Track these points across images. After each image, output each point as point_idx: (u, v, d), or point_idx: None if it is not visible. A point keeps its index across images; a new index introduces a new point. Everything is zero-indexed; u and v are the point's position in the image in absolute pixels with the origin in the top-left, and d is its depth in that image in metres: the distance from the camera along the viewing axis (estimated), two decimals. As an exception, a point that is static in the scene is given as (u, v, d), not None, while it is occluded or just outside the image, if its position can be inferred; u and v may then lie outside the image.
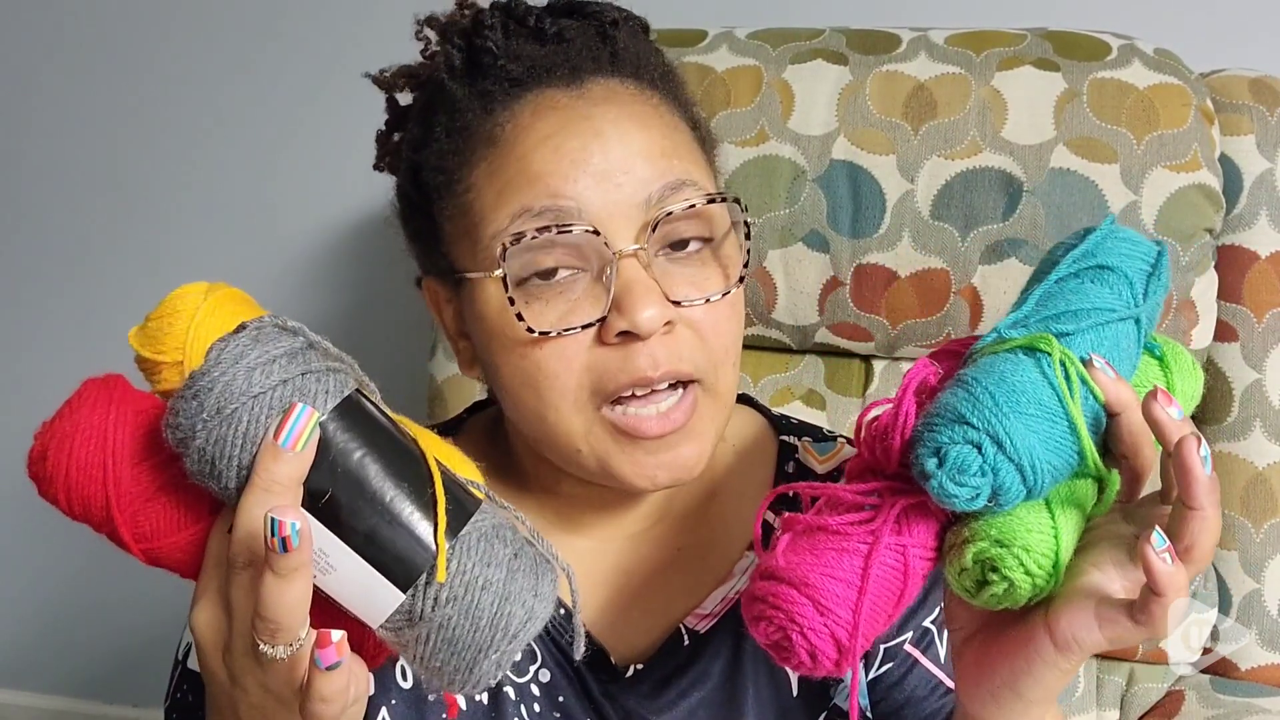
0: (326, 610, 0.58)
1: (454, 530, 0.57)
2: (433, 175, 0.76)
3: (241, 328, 0.58)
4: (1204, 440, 0.56)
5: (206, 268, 1.76)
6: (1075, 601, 0.58)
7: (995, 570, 0.57)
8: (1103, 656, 1.17)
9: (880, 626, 0.59)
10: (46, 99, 1.75)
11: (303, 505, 0.55)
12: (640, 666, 0.79)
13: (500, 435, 0.84)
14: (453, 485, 0.59)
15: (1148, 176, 1.09)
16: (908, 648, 0.82)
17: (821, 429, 0.88)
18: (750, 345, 1.23)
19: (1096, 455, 0.58)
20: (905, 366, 1.21)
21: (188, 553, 0.62)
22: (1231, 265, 1.16)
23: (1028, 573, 0.57)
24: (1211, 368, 1.17)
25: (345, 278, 1.69)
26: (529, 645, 0.78)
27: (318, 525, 0.56)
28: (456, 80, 0.76)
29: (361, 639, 0.59)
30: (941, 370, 0.62)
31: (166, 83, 1.70)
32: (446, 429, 0.87)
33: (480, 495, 0.60)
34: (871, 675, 0.83)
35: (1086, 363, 0.58)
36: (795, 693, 0.81)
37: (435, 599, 0.56)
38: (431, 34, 0.81)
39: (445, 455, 0.62)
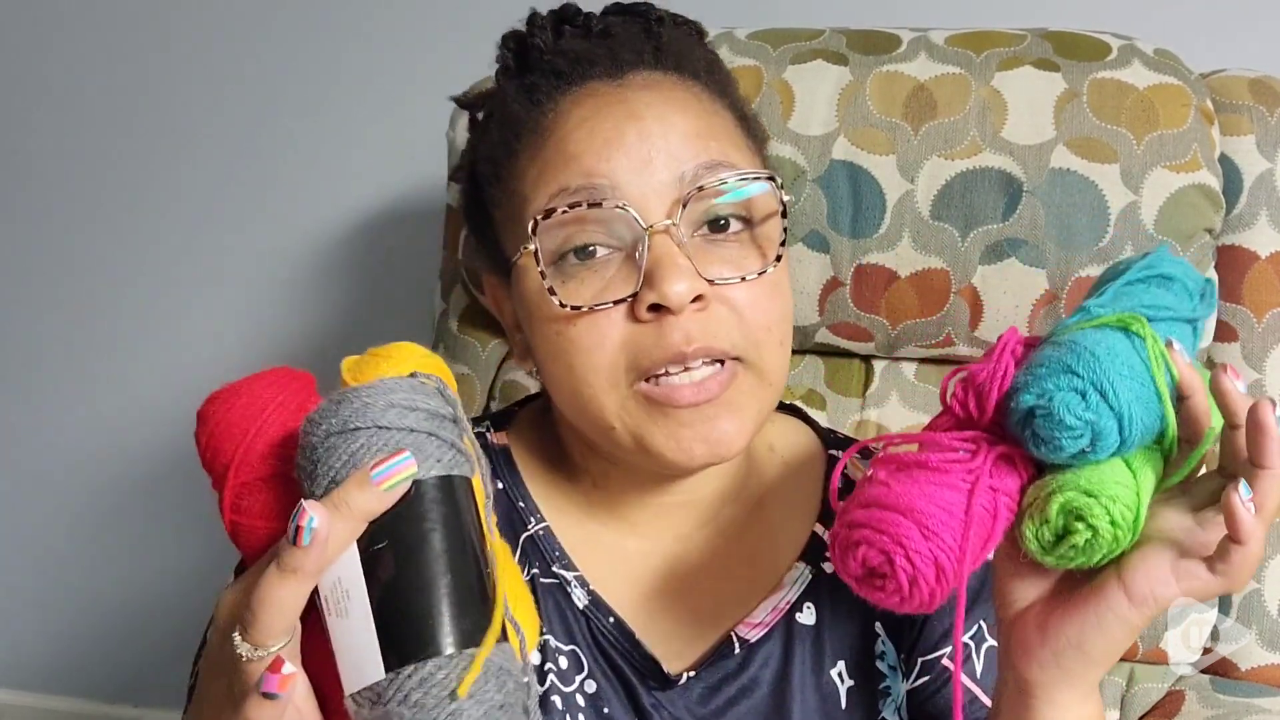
0: (325, 663, 0.58)
1: (463, 645, 0.56)
2: (485, 167, 0.79)
3: (412, 375, 0.61)
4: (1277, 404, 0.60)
5: (207, 271, 1.76)
6: (1152, 557, 0.61)
7: (1081, 519, 0.60)
8: (1103, 656, 1.17)
9: (972, 566, 0.61)
10: (47, 100, 1.75)
11: (360, 545, 0.56)
12: (693, 674, 0.79)
13: (549, 427, 0.84)
14: (491, 590, 0.58)
15: (1148, 176, 1.09)
16: (945, 662, 0.82)
17: (867, 445, 0.89)
18: (750, 345, 1.23)
19: (1175, 422, 0.62)
20: (905, 366, 1.21)
21: (264, 544, 0.63)
22: (1231, 265, 1.16)
23: (1113, 522, 0.60)
24: (1212, 368, 1.17)
25: (347, 280, 1.69)
26: (576, 654, 0.78)
27: (357, 570, 0.56)
28: (508, 79, 0.80)
29: (338, 707, 0.59)
30: (1027, 342, 0.66)
31: (168, 84, 1.70)
32: (499, 420, 0.87)
33: (514, 640, 0.59)
34: (908, 687, 0.83)
35: (1167, 344, 0.63)
36: (844, 705, 0.80)
37: (406, 695, 0.55)
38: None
39: (517, 598, 0.62)
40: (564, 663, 0.78)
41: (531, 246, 0.72)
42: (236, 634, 0.56)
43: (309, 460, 0.58)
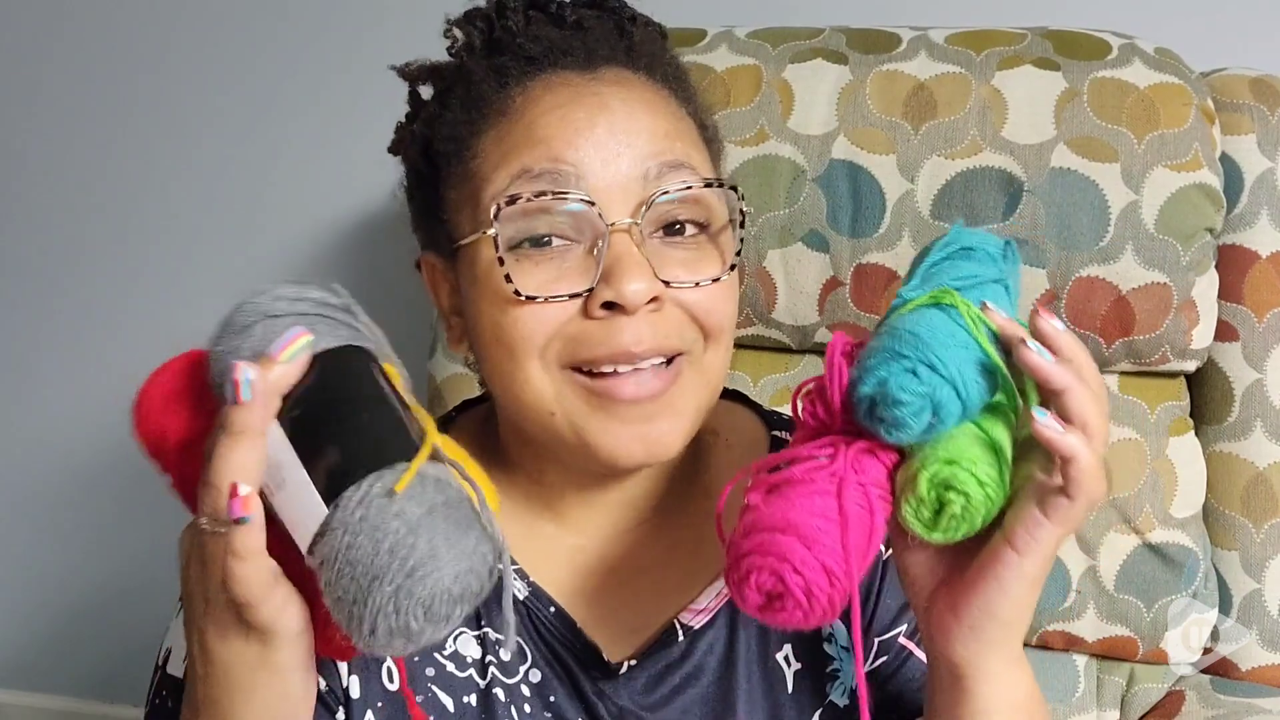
0: (289, 550, 0.59)
1: (394, 461, 0.58)
2: (443, 144, 0.78)
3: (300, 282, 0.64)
4: (1045, 328, 0.63)
5: (205, 269, 1.76)
6: (1022, 505, 0.63)
7: (950, 488, 0.62)
8: (1103, 657, 1.17)
9: (863, 565, 0.63)
10: (47, 100, 1.75)
11: (282, 423, 0.59)
12: (634, 662, 0.79)
13: (490, 428, 0.84)
14: (417, 431, 0.60)
15: (1148, 176, 1.09)
16: (902, 640, 0.82)
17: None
18: (750, 345, 1.23)
19: (1006, 370, 0.64)
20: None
21: None
22: (1232, 265, 1.16)
23: (980, 482, 0.62)
24: (1212, 367, 1.17)
25: (344, 278, 1.68)
26: (519, 645, 0.78)
27: (283, 441, 0.59)
28: (474, 58, 0.78)
29: (313, 597, 0.60)
30: (856, 342, 0.68)
31: (167, 83, 1.70)
32: (437, 424, 0.87)
33: (454, 472, 0.61)
34: (866, 668, 0.83)
35: (982, 306, 0.65)
36: (790, 688, 0.81)
37: (350, 513, 0.56)
38: (459, 33, 0.82)
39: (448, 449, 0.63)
40: (506, 654, 0.78)
41: (492, 232, 0.71)
42: (204, 520, 0.58)
43: (219, 371, 0.61)
